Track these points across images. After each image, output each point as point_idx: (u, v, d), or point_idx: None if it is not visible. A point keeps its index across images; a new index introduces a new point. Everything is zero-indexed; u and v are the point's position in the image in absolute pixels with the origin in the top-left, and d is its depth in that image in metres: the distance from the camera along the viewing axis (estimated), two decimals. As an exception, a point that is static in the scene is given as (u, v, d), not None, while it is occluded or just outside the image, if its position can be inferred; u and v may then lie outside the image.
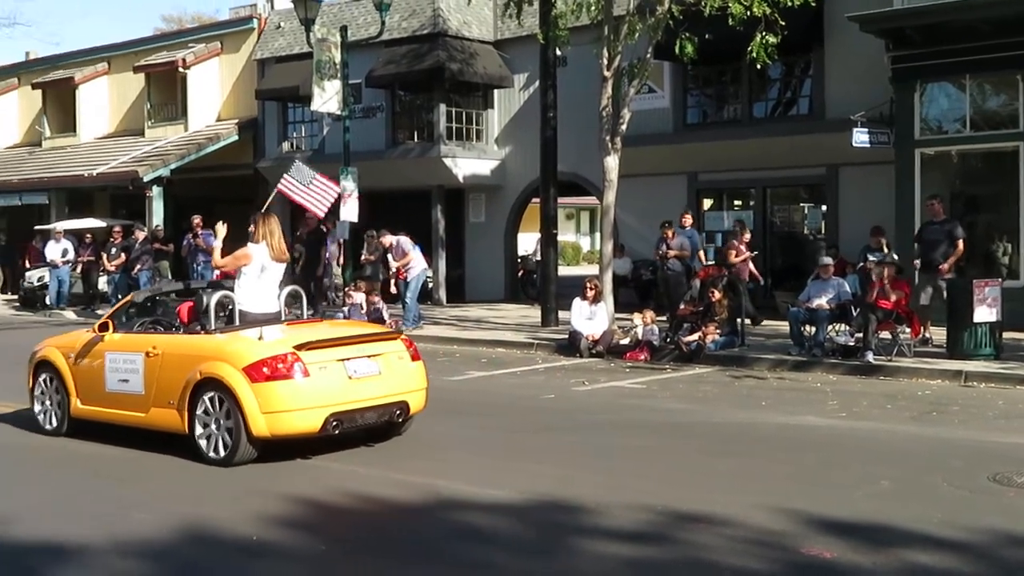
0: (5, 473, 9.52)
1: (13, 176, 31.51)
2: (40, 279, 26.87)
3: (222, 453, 9.12)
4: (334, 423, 9.09)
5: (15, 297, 29.14)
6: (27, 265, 28.41)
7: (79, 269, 26.70)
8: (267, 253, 10.05)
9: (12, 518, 7.55)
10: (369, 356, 9.56)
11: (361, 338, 9.90)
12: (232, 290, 10.04)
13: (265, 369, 8.97)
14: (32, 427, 10.95)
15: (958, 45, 17.23)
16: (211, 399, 9.20)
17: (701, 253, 19.62)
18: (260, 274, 10.04)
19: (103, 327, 10.46)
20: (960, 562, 6.31)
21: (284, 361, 9.01)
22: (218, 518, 7.42)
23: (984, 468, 8.51)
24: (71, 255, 26.26)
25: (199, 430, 9.28)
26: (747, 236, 19.48)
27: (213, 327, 9.78)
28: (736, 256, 18.82)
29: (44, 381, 10.85)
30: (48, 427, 10.78)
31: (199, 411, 9.28)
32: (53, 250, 26.07)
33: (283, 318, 10.30)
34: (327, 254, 22.20)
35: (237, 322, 9.90)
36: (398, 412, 9.68)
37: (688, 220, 19.61)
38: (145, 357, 9.83)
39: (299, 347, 9.15)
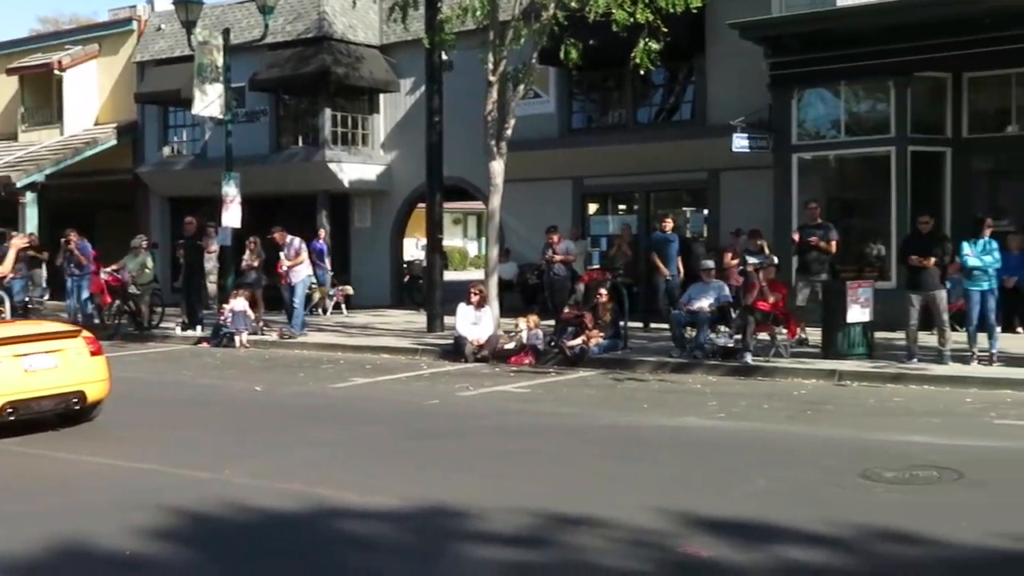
0: None
1: None
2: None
3: None
4: (9, 410, 10.36)
5: None
6: None
7: (-53, 276, 25.77)
8: None
9: None
10: (47, 352, 10.77)
11: (41, 336, 11.07)
12: None
13: None
14: None
15: (833, 52, 17.66)
16: None
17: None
18: None
19: None
20: (832, 557, 6.46)
21: None
22: (85, 532, 7.15)
23: (856, 465, 8.73)
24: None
25: None
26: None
27: None
28: None
29: None
30: None
31: None
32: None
33: None
34: (207, 261, 21.66)
35: None
36: (75, 400, 10.87)
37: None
38: None
39: None
